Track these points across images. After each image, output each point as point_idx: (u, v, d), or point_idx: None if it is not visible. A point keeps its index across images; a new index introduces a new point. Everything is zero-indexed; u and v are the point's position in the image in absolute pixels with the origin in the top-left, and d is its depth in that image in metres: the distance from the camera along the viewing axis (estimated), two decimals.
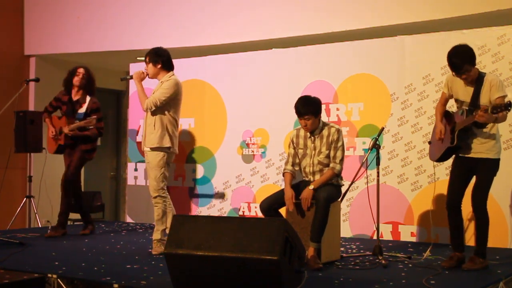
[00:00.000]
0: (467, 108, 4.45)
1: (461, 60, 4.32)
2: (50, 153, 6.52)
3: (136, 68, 7.16)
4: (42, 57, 8.72)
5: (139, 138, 7.38)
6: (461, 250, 4.59)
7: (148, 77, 5.35)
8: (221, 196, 6.98)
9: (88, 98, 6.30)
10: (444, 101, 4.70)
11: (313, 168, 4.82)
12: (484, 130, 4.41)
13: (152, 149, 5.18)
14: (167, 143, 5.19)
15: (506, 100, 4.27)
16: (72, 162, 6.25)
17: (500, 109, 4.15)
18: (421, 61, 6.05)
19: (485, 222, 4.46)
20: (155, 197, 5.18)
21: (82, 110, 6.26)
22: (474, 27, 5.87)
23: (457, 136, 4.44)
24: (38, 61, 8.70)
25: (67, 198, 6.26)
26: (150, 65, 5.29)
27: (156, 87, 5.28)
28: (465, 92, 4.48)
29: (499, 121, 4.36)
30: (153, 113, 5.18)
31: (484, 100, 4.38)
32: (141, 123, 5.47)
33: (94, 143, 6.37)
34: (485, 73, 4.47)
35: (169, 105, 5.20)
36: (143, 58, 8.38)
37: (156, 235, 5.17)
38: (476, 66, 4.42)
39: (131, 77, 5.41)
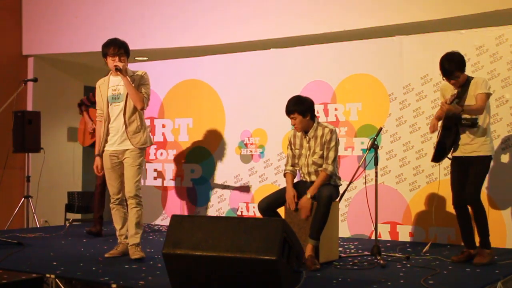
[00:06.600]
0: None
1: (453, 66, 4.57)
2: (85, 146, 6.55)
3: (135, 68, 7.15)
4: (40, 57, 8.71)
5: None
6: (472, 247, 4.74)
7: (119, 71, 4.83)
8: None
9: None
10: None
11: (308, 169, 4.83)
12: (474, 129, 4.59)
13: (140, 149, 4.91)
14: (152, 141, 5.13)
15: (488, 97, 4.55)
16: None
17: (453, 97, 4.52)
18: (419, 61, 6.05)
19: (482, 213, 4.62)
20: (135, 198, 4.84)
21: None
22: (472, 27, 5.87)
23: (439, 133, 4.69)
24: (36, 61, 8.69)
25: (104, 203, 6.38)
26: (125, 58, 4.90)
27: (124, 81, 4.80)
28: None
29: (470, 112, 4.52)
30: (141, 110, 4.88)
31: (469, 100, 4.59)
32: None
33: None
34: (472, 77, 4.68)
35: None
36: (141, 58, 8.44)
37: (135, 239, 4.87)
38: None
39: (121, 70, 4.83)
